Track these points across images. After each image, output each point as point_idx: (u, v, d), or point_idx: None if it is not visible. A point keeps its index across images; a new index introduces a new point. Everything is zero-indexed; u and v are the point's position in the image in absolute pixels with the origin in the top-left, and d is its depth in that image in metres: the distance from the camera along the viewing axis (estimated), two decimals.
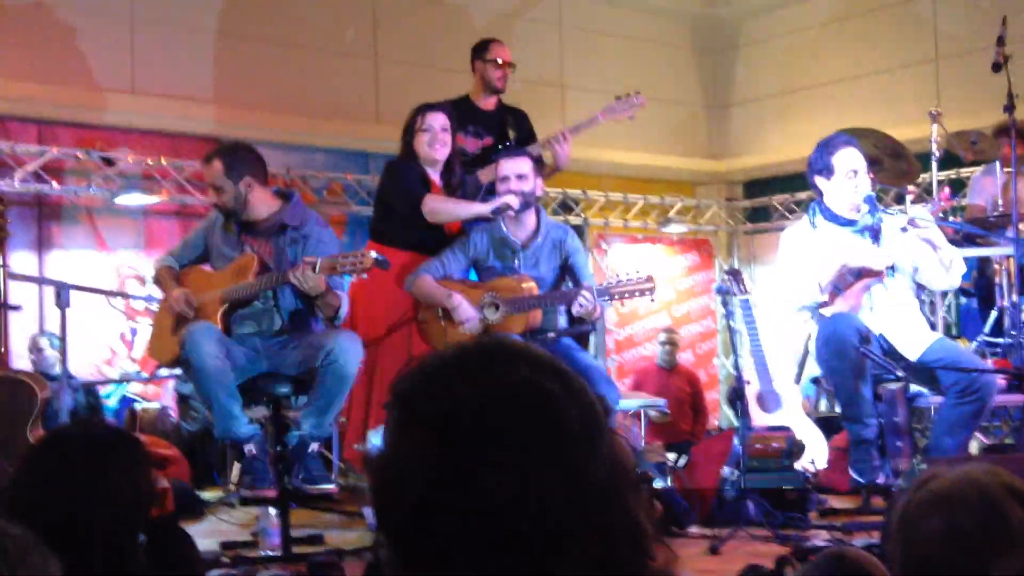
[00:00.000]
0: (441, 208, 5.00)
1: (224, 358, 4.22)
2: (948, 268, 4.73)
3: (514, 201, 4.85)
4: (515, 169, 4.92)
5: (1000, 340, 6.15)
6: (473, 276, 5.13)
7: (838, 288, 4.68)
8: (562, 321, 4.99)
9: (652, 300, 4.68)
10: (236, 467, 5.86)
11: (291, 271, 4.20)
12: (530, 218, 5.00)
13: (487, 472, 0.99)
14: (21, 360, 6.53)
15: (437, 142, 5.07)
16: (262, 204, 4.52)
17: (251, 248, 4.50)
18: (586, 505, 1.02)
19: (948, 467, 1.65)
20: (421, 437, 1.03)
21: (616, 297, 4.65)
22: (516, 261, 4.95)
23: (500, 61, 5.78)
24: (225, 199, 4.47)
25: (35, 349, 6.73)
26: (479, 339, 1.14)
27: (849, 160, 4.77)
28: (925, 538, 1.57)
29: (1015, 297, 5.76)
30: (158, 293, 4.93)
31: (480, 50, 5.86)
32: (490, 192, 5.28)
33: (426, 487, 1.01)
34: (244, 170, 4.45)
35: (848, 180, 4.75)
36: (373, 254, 4.09)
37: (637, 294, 4.61)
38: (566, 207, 9.45)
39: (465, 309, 4.80)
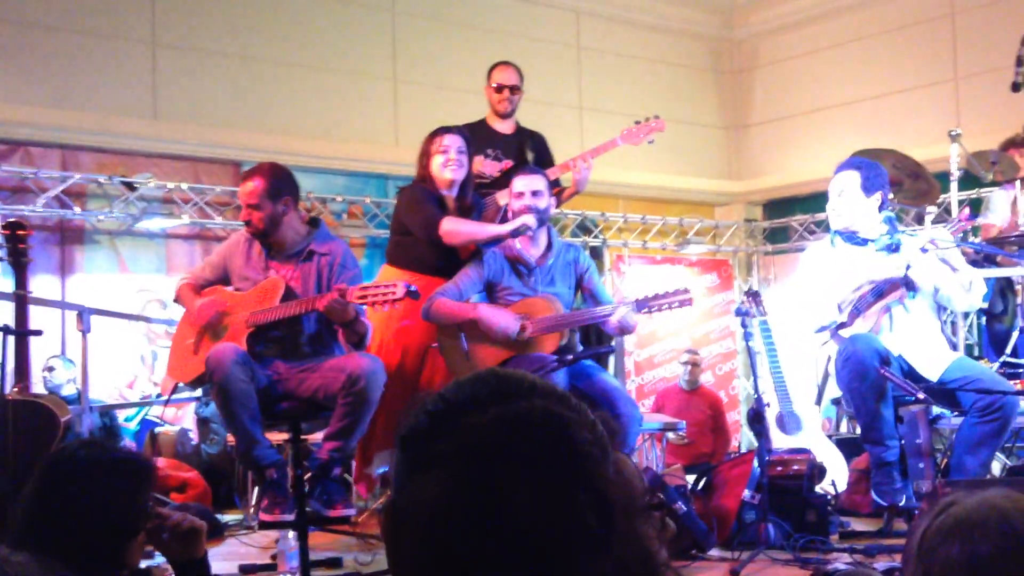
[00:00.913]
0: (459, 230, 4.99)
1: (249, 381, 4.23)
2: (968, 289, 4.71)
3: (532, 221, 4.85)
4: (530, 185, 4.94)
5: (1021, 361, 6.11)
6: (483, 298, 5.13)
7: (858, 309, 4.67)
8: (578, 340, 5.00)
9: (691, 306, 4.71)
10: (256, 490, 5.87)
11: (321, 299, 4.21)
12: (543, 236, 5.02)
13: (516, 506, 0.98)
14: (35, 382, 6.58)
15: (452, 164, 5.07)
16: (291, 228, 4.56)
17: (275, 272, 4.52)
18: (612, 528, 1.01)
19: (968, 492, 1.63)
20: (441, 479, 1.01)
21: (655, 309, 4.66)
22: (532, 279, 4.95)
23: (496, 85, 5.81)
24: (261, 218, 4.49)
25: (47, 368, 6.77)
26: (475, 374, 1.12)
27: (834, 184, 4.88)
28: (944, 565, 1.56)
29: None
30: (179, 316, 4.95)
31: (488, 75, 5.90)
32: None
33: (453, 530, 0.99)
34: (283, 191, 4.51)
35: (832, 200, 4.82)
36: (404, 285, 4.09)
37: (676, 305, 4.63)
38: (585, 228, 9.45)
39: (497, 319, 4.77)
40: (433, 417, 1.07)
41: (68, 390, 6.56)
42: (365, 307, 4.36)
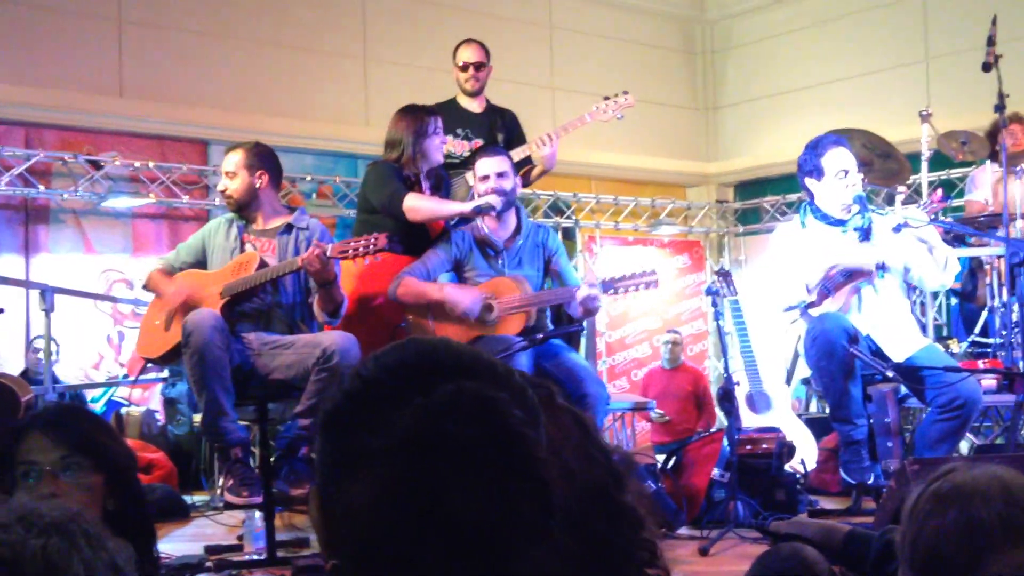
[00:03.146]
0: (421, 206, 4.95)
1: (225, 348, 4.19)
2: (944, 267, 4.71)
3: (496, 201, 4.81)
4: (495, 167, 4.88)
5: (990, 340, 6.14)
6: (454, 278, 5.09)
7: (827, 289, 4.66)
8: (549, 320, 4.97)
9: (656, 288, 4.70)
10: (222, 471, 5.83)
11: (301, 257, 4.20)
12: (511, 217, 4.97)
13: (451, 507, 0.94)
14: (7, 364, 6.51)
15: (443, 146, 5.11)
16: (269, 205, 4.59)
17: (253, 246, 4.50)
18: (551, 514, 0.97)
19: (969, 463, 1.62)
20: (370, 483, 0.96)
21: (622, 290, 4.64)
22: (500, 261, 4.91)
23: (462, 63, 5.77)
24: (236, 187, 4.53)
25: (32, 350, 6.69)
26: (393, 347, 1.07)
27: (838, 160, 4.76)
28: (937, 531, 1.54)
29: (1005, 297, 5.75)
30: (147, 297, 4.89)
31: (453, 54, 5.85)
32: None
33: (387, 535, 0.95)
34: (261, 165, 4.57)
35: (838, 180, 4.75)
36: (386, 235, 4.11)
37: (643, 286, 4.61)
38: (557, 209, 9.42)
39: (461, 298, 4.74)
40: (354, 400, 1.02)
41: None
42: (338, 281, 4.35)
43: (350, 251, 4.14)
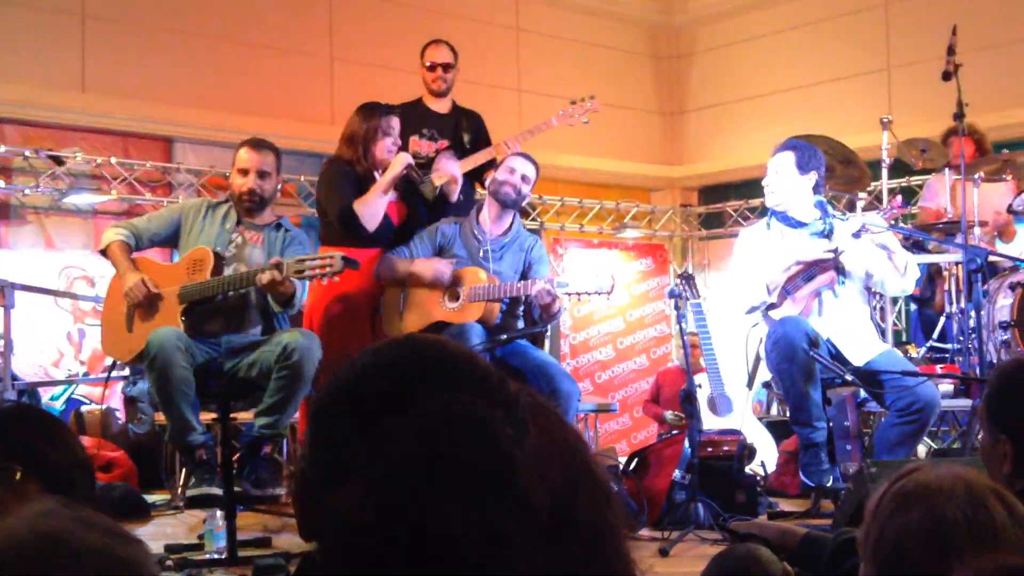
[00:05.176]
0: (366, 201, 4.96)
1: (190, 367, 4.15)
2: (903, 273, 4.77)
3: (408, 159, 4.98)
4: (523, 168, 5.11)
5: (948, 346, 6.22)
6: None
7: (788, 292, 4.72)
8: (520, 325, 5.03)
9: (608, 299, 4.78)
10: (183, 471, 5.79)
11: (260, 275, 4.17)
12: (507, 219, 5.07)
13: (434, 523, 0.94)
14: None
15: (396, 147, 5.10)
16: (268, 209, 4.67)
17: (242, 236, 4.54)
18: (532, 535, 0.98)
19: (933, 463, 1.64)
20: (358, 493, 0.96)
21: (573, 292, 4.71)
22: (482, 252, 4.99)
23: (429, 64, 5.77)
24: (265, 186, 4.56)
25: None
26: (395, 349, 1.05)
27: (771, 165, 4.96)
28: (902, 530, 1.55)
29: (963, 303, 5.82)
30: (105, 293, 4.81)
31: (421, 54, 5.86)
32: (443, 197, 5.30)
33: (369, 547, 0.95)
34: (281, 170, 4.70)
35: (769, 178, 4.91)
36: (341, 256, 4.08)
37: (595, 292, 4.67)
38: (522, 211, 9.42)
39: (428, 268, 4.88)
40: (347, 397, 1.02)
41: None
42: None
43: (306, 272, 4.13)
